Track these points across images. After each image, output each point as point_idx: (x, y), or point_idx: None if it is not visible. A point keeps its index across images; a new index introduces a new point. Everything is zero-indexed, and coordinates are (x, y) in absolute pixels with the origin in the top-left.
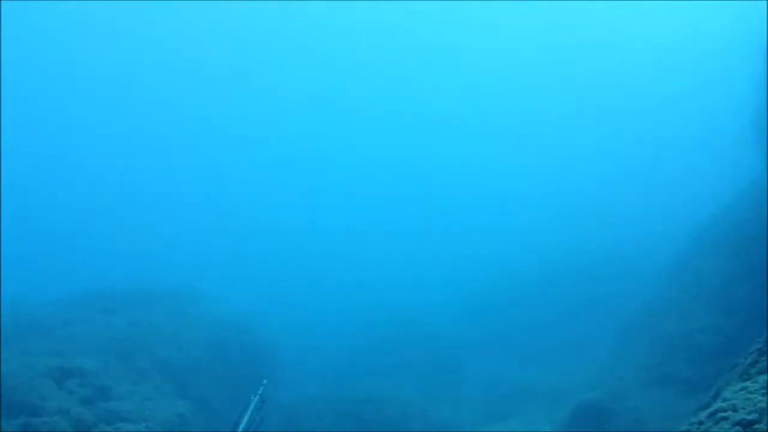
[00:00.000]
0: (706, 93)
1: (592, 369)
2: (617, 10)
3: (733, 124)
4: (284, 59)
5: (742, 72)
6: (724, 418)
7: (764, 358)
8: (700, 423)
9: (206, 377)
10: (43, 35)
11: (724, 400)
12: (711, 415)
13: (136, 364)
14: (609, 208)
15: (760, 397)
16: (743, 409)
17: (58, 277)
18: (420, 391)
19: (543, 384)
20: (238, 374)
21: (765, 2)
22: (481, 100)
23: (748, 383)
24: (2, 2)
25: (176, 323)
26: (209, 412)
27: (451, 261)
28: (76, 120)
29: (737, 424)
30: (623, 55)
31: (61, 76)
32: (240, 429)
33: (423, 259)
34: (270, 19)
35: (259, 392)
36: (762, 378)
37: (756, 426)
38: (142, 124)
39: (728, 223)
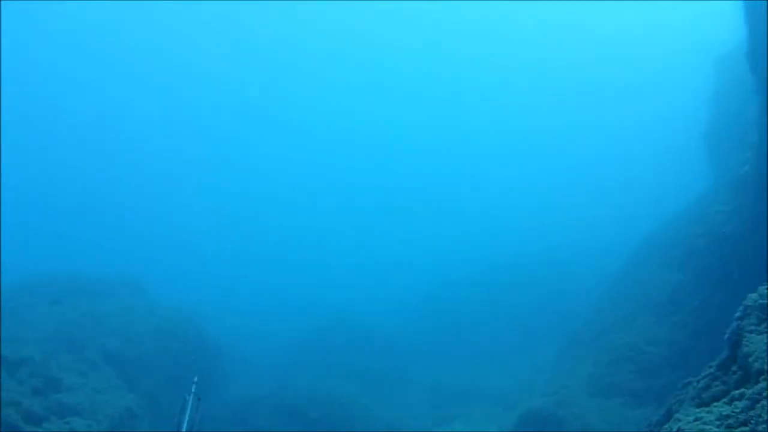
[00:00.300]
0: (659, 103)
1: (538, 375)
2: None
3: (685, 136)
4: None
5: (696, 85)
6: None
7: (717, 383)
8: None
9: (154, 371)
10: (43, 35)
11: (679, 430)
12: None
13: (85, 356)
14: (558, 215)
15: (715, 429)
16: None
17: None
18: (365, 391)
19: (488, 388)
20: (186, 369)
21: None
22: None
23: (703, 413)
24: (2, 2)
25: (124, 315)
26: (156, 407)
27: (399, 264)
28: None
29: None
30: (580, 63)
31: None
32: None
33: (370, 262)
34: (256, 21)
35: (193, 391)
36: (717, 408)
37: None
38: (108, 117)
39: (676, 234)
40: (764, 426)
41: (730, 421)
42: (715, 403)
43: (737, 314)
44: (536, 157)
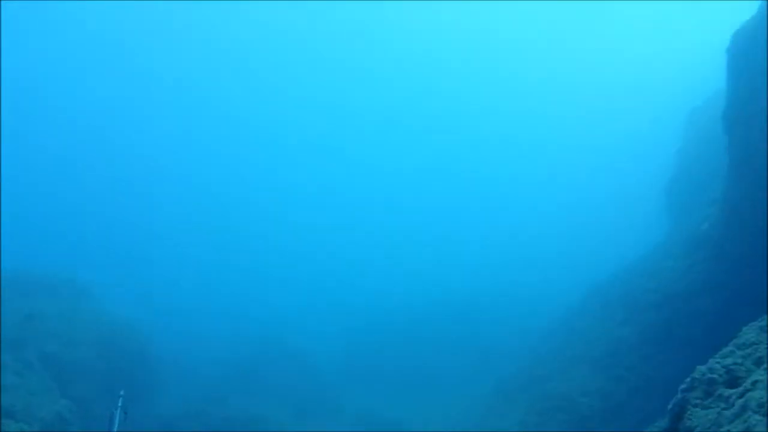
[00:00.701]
0: (623, 152)
1: (470, 414)
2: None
3: (647, 187)
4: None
5: (664, 137)
6: None
7: None
8: None
9: (90, 377)
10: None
11: None
12: None
13: (23, 355)
14: (505, 255)
15: None
16: None
17: None
18: (295, 416)
19: (420, 422)
20: (122, 378)
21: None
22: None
23: None
24: (2, 2)
25: (67, 318)
26: (88, 414)
27: (337, 293)
28: None
29: None
30: (550, 107)
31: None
32: None
33: (309, 287)
34: (261, 19)
35: (119, 405)
36: None
37: None
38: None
39: (624, 287)
40: None
41: None
42: None
43: (683, 386)
44: (489, 194)
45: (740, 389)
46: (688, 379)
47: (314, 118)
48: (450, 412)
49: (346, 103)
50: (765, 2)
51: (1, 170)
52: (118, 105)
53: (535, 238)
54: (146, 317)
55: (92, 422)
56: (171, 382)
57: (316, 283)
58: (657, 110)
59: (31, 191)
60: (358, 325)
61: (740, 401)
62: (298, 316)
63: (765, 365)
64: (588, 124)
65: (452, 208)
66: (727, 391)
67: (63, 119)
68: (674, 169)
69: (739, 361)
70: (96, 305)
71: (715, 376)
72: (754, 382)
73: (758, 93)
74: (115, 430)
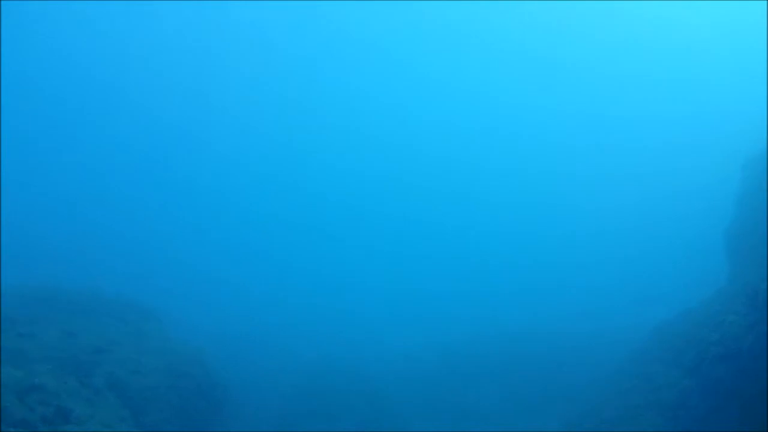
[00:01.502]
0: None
1: None
2: None
3: (709, 229)
4: None
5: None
6: None
7: None
8: None
9: (161, 406)
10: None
11: None
12: None
13: (92, 382)
14: (562, 290)
15: None
16: None
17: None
18: None
19: None
20: (192, 407)
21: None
22: None
23: None
24: (2, 2)
25: (133, 344)
26: None
27: (414, 317)
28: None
29: None
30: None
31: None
32: None
33: (384, 313)
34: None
35: None
36: None
37: None
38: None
39: (688, 334)
40: None
41: None
42: None
43: None
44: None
45: None
46: None
47: None
48: None
49: None
50: None
51: (1, 171)
52: (120, 107)
53: (591, 274)
54: (214, 342)
55: None
56: (243, 412)
57: (390, 311)
58: (717, 151)
59: (61, 198)
60: (419, 353)
61: None
62: (367, 342)
63: None
64: (648, 157)
65: (514, 238)
66: None
67: (63, 121)
68: (733, 215)
69: None
70: (163, 330)
71: None
72: None
73: None
74: None
